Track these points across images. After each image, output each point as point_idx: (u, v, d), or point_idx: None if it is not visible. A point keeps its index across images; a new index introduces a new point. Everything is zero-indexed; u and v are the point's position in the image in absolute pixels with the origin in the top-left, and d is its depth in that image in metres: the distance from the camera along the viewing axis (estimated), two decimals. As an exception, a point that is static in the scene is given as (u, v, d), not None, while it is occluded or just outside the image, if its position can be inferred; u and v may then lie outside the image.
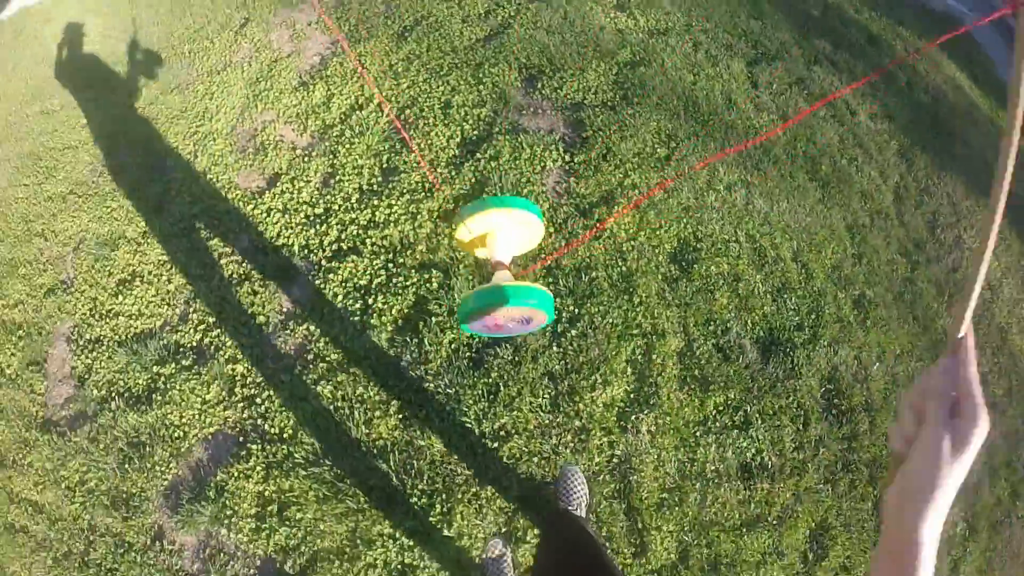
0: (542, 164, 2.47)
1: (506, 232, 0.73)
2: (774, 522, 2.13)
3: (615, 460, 2.04)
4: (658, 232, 2.38)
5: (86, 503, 2.24)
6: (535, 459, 2.00)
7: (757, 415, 2.18)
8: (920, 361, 2.57)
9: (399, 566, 1.96)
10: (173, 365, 2.31)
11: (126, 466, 2.23)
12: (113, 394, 2.34)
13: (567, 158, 2.50)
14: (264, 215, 2.50)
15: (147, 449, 2.24)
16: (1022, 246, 3.33)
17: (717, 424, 2.14)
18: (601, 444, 2.04)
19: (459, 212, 0.74)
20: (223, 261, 2.45)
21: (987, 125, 3.50)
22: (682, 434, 2.10)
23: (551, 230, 2.31)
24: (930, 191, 3.00)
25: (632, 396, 2.11)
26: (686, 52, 2.98)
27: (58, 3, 4.06)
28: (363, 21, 2.98)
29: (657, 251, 2.35)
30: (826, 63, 3.13)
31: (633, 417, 2.08)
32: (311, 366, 2.19)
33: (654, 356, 2.17)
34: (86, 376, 2.42)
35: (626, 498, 2.02)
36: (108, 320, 2.49)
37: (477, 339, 2.14)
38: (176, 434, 2.23)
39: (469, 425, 2.03)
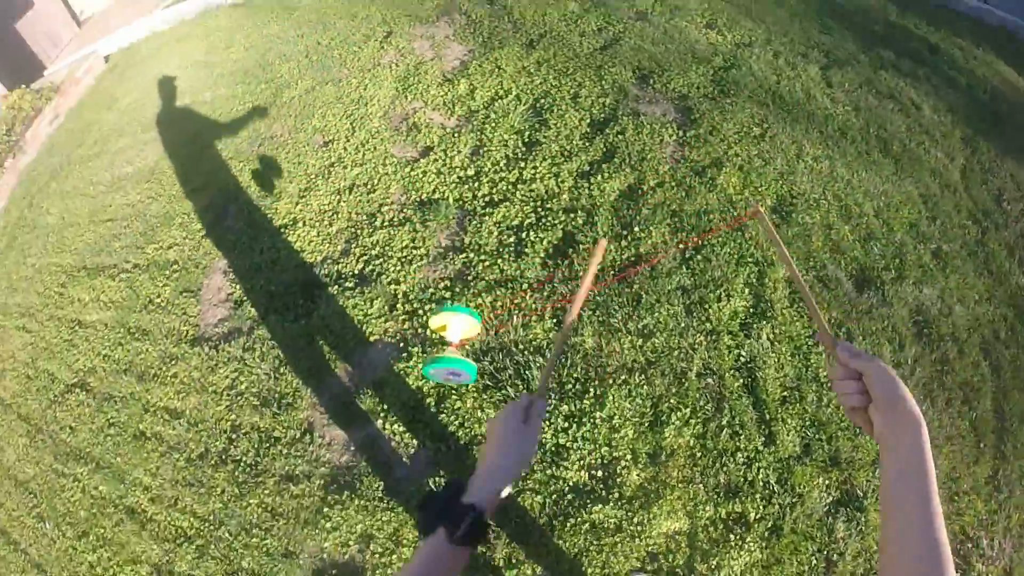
0: (660, 137, 3.10)
1: (454, 324, 1.24)
2: (882, 427, 2.52)
3: (742, 359, 2.50)
4: (760, 190, 2.95)
5: (232, 405, 2.64)
6: (675, 352, 2.48)
7: (858, 332, 2.63)
8: (999, 308, 3.00)
9: (553, 447, 2.40)
10: (336, 287, 2.85)
11: (281, 369, 2.68)
12: (271, 312, 2.85)
13: (680, 134, 3.13)
14: (420, 175, 3.14)
15: (304, 353, 2.69)
16: None
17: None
18: (729, 345, 2.51)
19: (430, 315, 1.42)
20: (383, 209, 3.06)
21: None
22: (796, 343, 2.56)
23: (673, 185, 2.90)
24: (994, 172, 3.53)
25: (751, 310, 2.60)
26: (768, 59, 3.66)
27: (198, 24, 5.01)
28: (494, 35, 3.76)
29: (760, 204, 2.90)
30: (891, 68, 3.78)
31: (754, 326, 2.56)
32: (471, 284, 2.74)
33: (766, 280, 2.67)
34: (243, 300, 2.93)
35: (753, 393, 2.46)
36: (265, 255, 3.05)
37: (621, 260, 2.68)
38: (336, 342, 2.70)
39: (617, 325, 2.53)
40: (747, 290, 2.64)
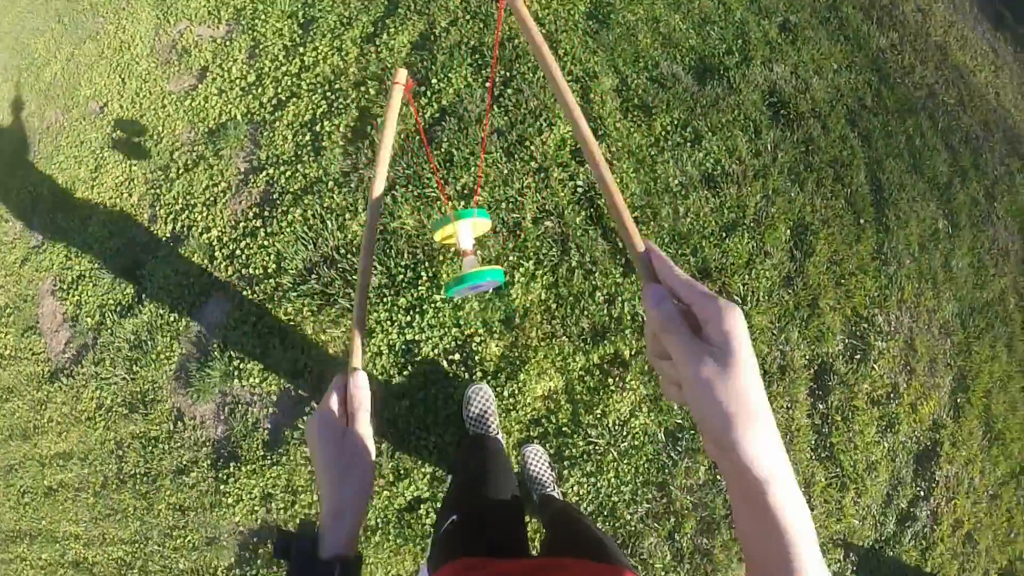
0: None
1: (464, 229, 1.04)
2: (751, 224, 2.22)
3: (579, 191, 2.14)
4: (566, -1, 2.49)
5: (107, 424, 2.37)
6: (503, 204, 2.10)
7: (706, 129, 2.28)
8: (861, 74, 2.66)
9: (403, 344, 2.06)
10: (152, 262, 2.41)
11: (134, 368, 2.34)
12: (106, 313, 2.44)
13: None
14: (203, 103, 2.61)
15: (148, 344, 2.34)
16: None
17: (669, 143, 2.24)
18: (562, 179, 2.14)
19: (430, 225, 1.14)
20: (175, 155, 2.55)
21: None
22: (637, 156, 2.20)
23: (468, 19, 2.43)
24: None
25: (581, 135, 2.21)
26: None
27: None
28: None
29: (572, 12, 2.45)
30: None
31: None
32: (278, 202, 2.30)
33: (591, 96, 2.27)
34: (77, 313, 2.51)
35: (599, 223, 2.12)
36: (83, 255, 2.57)
37: (427, 119, 2.25)
38: (171, 319, 2.33)
39: (434, 194, 2.13)
40: (573, 115, 2.23)
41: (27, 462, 2.55)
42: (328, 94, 2.39)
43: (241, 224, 2.32)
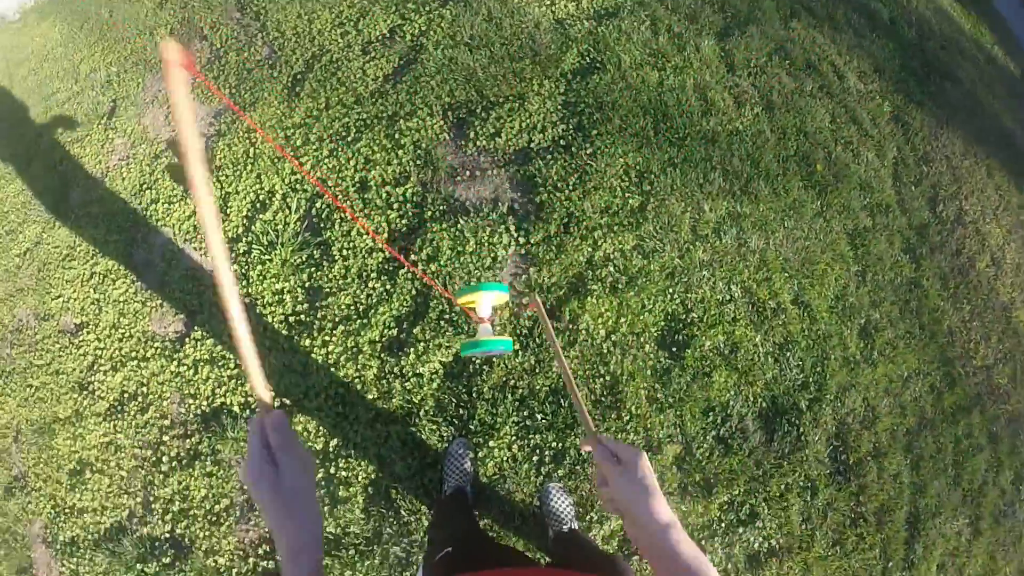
0: (492, 255, 1.84)
1: (486, 298, 1.06)
2: (786, 600, 1.88)
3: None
4: (641, 316, 1.83)
5: None
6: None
7: (763, 504, 1.84)
8: (928, 376, 2.15)
9: None
10: (155, 563, 1.89)
11: None
12: None
13: (521, 239, 1.86)
14: (191, 371, 1.93)
15: None
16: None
17: (723, 525, 1.82)
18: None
19: (456, 293, 1.11)
20: (167, 440, 1.93)
21: (974, 53, 2.70)
22: (690, 546, 1.77)
23: (518, 347, 1.76)
24: (928, 158, 2.37)
25: (634, 523, 1.74)
26: (644, 38, 2.12)
27: None
28: (244, 77, 2.08)
29: (642, 339, 1.83)
30: (804, 14, 2.26)
31: (636, 559, 1.73)
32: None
33: None
34: None
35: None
36: (75, 518, 2.02)
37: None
38: None
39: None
40: None
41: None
42: (342, 420, 1.79)
43: (251, 559, 1.83)
